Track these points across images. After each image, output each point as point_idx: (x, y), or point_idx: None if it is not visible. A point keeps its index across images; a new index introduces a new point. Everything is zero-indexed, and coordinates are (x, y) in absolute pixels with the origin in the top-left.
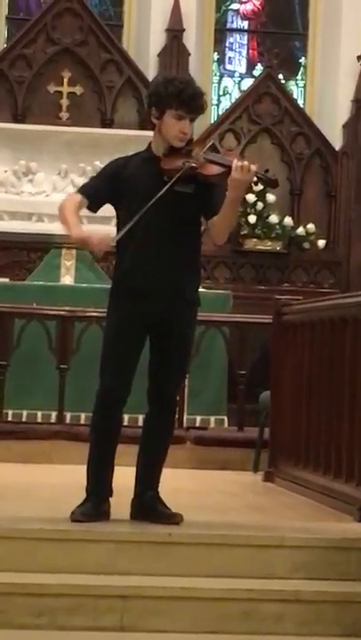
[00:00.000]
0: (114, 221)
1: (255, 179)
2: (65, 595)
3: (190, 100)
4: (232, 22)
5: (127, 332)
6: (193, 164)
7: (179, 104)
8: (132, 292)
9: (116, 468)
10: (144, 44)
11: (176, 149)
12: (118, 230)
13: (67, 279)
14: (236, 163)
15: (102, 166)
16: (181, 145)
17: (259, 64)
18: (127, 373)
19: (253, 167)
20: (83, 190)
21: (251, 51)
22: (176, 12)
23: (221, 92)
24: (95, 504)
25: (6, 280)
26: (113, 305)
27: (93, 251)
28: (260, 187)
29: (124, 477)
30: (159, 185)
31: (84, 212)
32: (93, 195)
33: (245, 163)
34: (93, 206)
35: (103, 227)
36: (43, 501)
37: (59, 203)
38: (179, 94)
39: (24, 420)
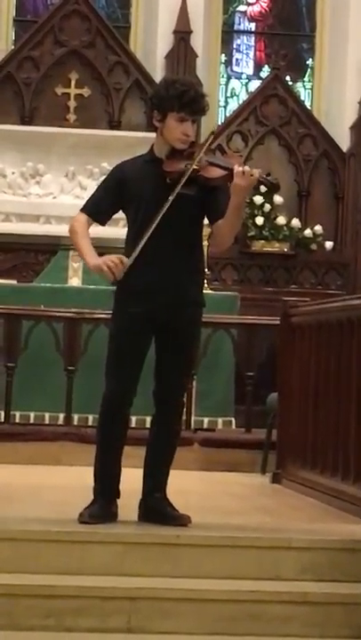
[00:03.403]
0: (122, 223)
1: (257, 182)
2: (72, 596)
3: (192, 102)
4: (239, 24)
5: (132, 334)
6: (195, 167)
7: (180, 106)
8: (136, 293)
9: (123, 469)
10: (151, 45)
11: (178, 151)
12: (129, 231)
13: (74, 281)
14: (237, 168)
15: (109, 168)
16: (184, 147)
17: (266, 66)
18: (133, 375)
19: (255, 171)
20: (87, 209)
21: (258, 52)
22: (183, 13)
23: (229, 94)
24: (103, 506)
25: (14, 282)
26: (118, 306)
27: (109, 277)
28: (263, 189)
29: (132, 479)
30: (162, 187)
31: None
32: (97, 211)
33: (247, 168)
34: (100, 221)
35: (109, 229)
36: (50, 503)
37: (66, 205)
38: (180, 96)
39: (32, 421)
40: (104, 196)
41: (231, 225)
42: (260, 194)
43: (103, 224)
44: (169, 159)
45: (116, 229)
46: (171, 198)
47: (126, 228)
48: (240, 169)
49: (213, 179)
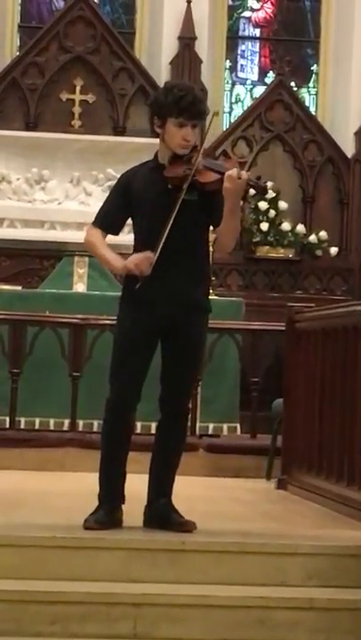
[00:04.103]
0: (127, 229)
1: (247, 186)
2: (78, 602)
3: (190, 107)
4: (244, 30)
5: (137, 340)
6: (193, 172)
7: (179, 111)
8: (142, 299)
9: (128, 475)
10: (156, 51)
11: (179, 157)
12: (136, 238)
13: (79, 287)
14: (227, 172)
15: (114, 174)
16: (185, 152)
17: (271, 71)
18: (137, 380)
19: (245, 174)
20: (98, 222)
21: (263, 58)
22: (188, 19)
23: (234, 100)
24: (108, 511)
25: (19, 288)
26: (123, 312)
27: (139, 275)
28: (252, 192)
29: (137, 485)
30: (164, 193)
31: None
32: (109, 223)
33: (235, 171)
34: (113, 232)
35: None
36: (55, 509)
37: (70, 211)
38: (178, 102)
39: (37, 427)
40: (112, 206)
41: (229, 228)
42: (265, 200)
43: (117, 234)
44: (170, 165)
45: (124, 236)
46: (176, 207)
47: (132, 234)
48: (229, 172)
49: (208, 183)
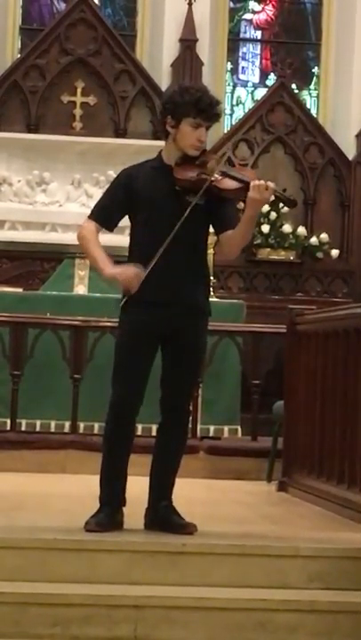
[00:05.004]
0: (127, 231)
1: (273, 197)
2: (79, 605)
3: (208, 108)
4: (245, 32)
5: (138, 342)
6: (211, 178)
7: (197, 112)
8: (143, 302)
9: (129, 477)
10: (157, 54)
11: (190, 159)
12: (134, 236)
13: (80, 289)
14: (254, 182)
15: (115, 176)
16: (196, 154)
17: (272, 74)
18: (139, 383)
19: (271, 185)
20: (94, 216)
21: (264, 60)
22: (189, 22)
23: (235, 102)
24: (109, 514)
25: (20, 290)
26: (124, 315)
27: (125, 289)
28: (280, 204)
29: (138, 487)
30: (171, 195)
31: None
32: (105, 218)
33: (262, 182)
34: (109, 228)
35: (117, 237)
36: (56, 511)
37: (72, 213)
38: (196, 102)
39: (38, 429)
40: (111, 202)
41: (243, 236)
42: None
43: (111, 230)
44: (179, 166)
45: (122, 237)
46: (186, 211)
47: (126, 237)
48: (257, 182)
49: (228, 190)
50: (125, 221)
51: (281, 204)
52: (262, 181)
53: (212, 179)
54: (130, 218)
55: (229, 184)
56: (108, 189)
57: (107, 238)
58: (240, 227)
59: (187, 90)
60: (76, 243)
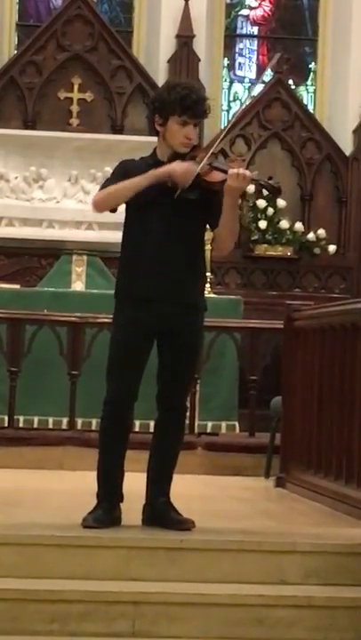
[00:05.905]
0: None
1: (258, 186)
2: (77, 601)
3: (194, 106)
4: (242, 28)
5: (133, 338)
6: (198, 170)
7: (182, 110)
8: (138, 298)
9: (126, 473)
10: (154, 50)
11: (180, 155)
12: (125, 230)
13: (77, 285)
14: (231, 170)
15: (117, 164)
16: (186, 151)
17: (269, 69)
18: (134, 379)
19: (248, 174)
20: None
21: (261, 56)
22: (186, 18)
23: (232, 98)
24: (106, 510)
25: (17, 286)
26: (118, 310)
27: (178, 182)
28: (266, 192)
29: (135, 483)
30: (164, 191)
31: (96, 217)
32: None
33: (241, 170)
34: (112, 209)
35: (113, 233)
36: (54, 508)
37: (69, 209)
38: (182, 100)
39: (35, 426)
40: (117, 183)
41: (228, 226)
42: (264, 198)
43: (115, 210)
44: (170, 163)
45: (120, 234)
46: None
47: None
48: (234, 171)
49: (215, 182)
50: (121, 218)
51: (266, 192)
52: (241, 169)
53: (200, 171)
54: (125, 210)
55: (216, 176)
56: (111, 175)
57: (105, 235)
58: (223, 215)
59: (174, 87)
60: (74, 239)
